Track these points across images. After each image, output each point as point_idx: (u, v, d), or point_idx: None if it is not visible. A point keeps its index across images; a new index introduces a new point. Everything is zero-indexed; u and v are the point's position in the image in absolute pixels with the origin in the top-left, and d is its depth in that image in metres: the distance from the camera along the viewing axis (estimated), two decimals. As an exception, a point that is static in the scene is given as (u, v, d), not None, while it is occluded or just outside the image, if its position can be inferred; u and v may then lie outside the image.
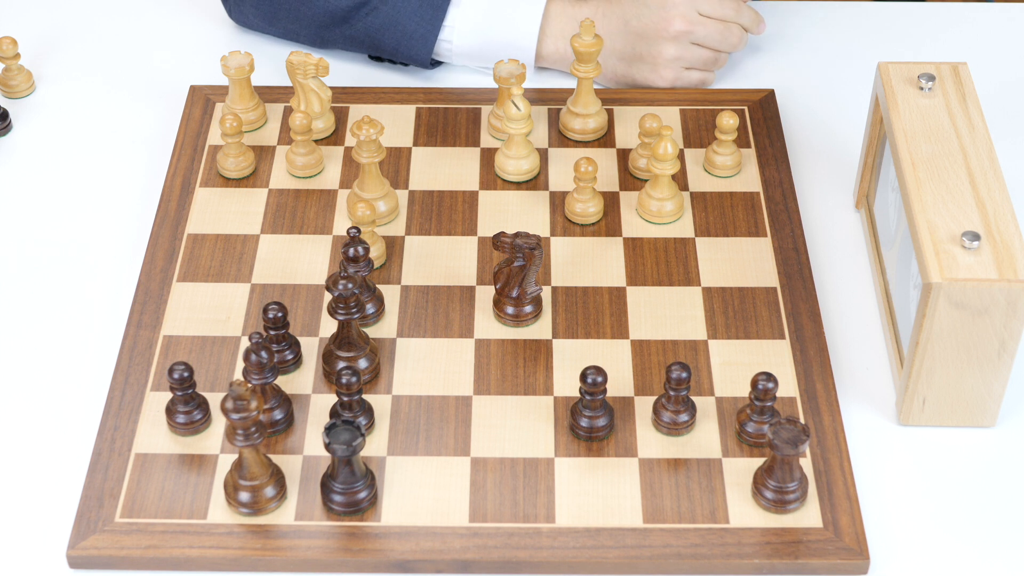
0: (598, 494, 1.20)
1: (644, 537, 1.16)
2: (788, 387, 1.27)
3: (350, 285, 1.24)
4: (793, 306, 1.34)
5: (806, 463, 1.21)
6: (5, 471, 1.23)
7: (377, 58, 1.63)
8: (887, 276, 1.36)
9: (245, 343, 1.31)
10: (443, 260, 1.39)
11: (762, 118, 1.54)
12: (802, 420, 1.25)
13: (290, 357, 1.28)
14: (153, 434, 1.24)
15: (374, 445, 1.23)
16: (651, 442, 1.23)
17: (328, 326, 1.33)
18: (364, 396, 1.25)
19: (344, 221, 1.43)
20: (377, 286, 1.34)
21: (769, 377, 1.20)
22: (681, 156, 1.50)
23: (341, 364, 1.26)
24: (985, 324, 1.19)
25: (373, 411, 1.24)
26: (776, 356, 1.30)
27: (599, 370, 1.21)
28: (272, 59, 1.63)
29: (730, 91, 1.58)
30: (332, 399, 1.27)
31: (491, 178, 1.48)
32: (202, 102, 1.56)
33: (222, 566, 1.16)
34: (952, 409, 1.25)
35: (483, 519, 1.18)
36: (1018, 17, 1.72)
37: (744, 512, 1.18)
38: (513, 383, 1.28)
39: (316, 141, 1.51)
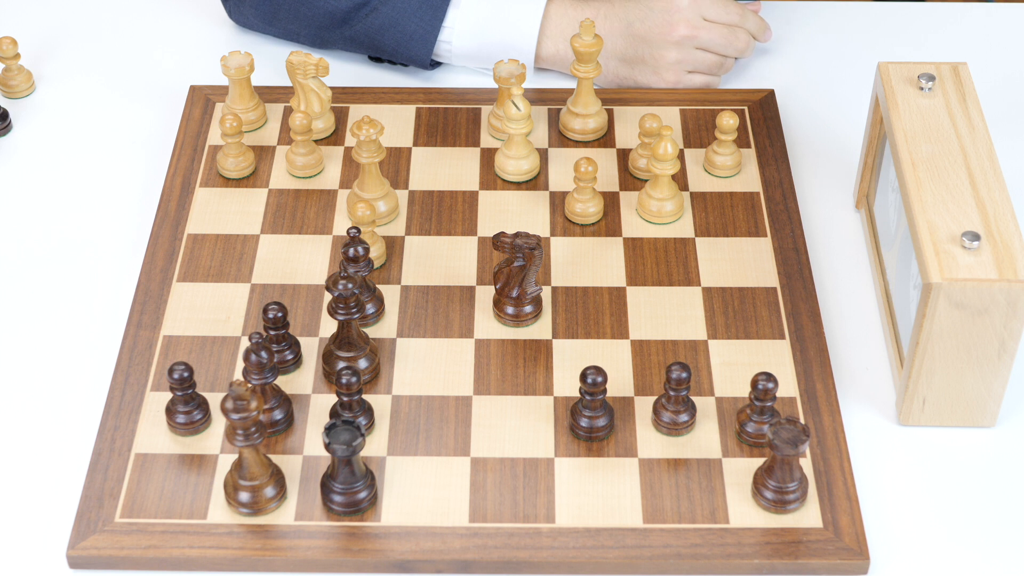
0: (598, 494, 1.20)
1: (644, 537, 1.16)
2: (788, 387, 1.27)
3: (350, 285, 1.24)
4: (793, 306, 1.34)
5: (806, 463, 1.21)
6: (5, 471, 1.23)
7: (377, 59, 1.63)
8: (887, 276, 1.36)
9: (245, 343, 1.31)
10: (443, 260, 1.39)
11: (762, 118, 1.54)
12: (802, 420, 1.25)
13: (290, 357, 1.28)
14: (153, 434, 1.24)
15: (374, 445, 1.23)
16: (651, 442, 1.23)
17: (328, 326, 1.33)
18: (364, 396, 1.25)
19: (344, 221, 1.43)
20: (377, 286, 1.34)
21: (769, 377, 1.20)
22: (681, 156, 1.50)
23: (341, 364, 1.26)
24: (985, 324, 1.19)
25: (373, 411, 1.24)
26: (776, 356, 1.30)
27: (599, 370, 1.21)
28: (272, 59, 1.63)
29: (730, 91, 1.58)
30: (332, 399, 1.27)
31: (491, 178, 1.48)
32: (202, 102, 1.56)
33: (222, 566, 1.16)
34: (952, 409, 1.25)
35: (483, 519, 1.18)
36: (1018, 17, 1.72)
37: (744, 512, 1.18)
38: (513, 383, 1.28)
39: (316, 141, 1.51)
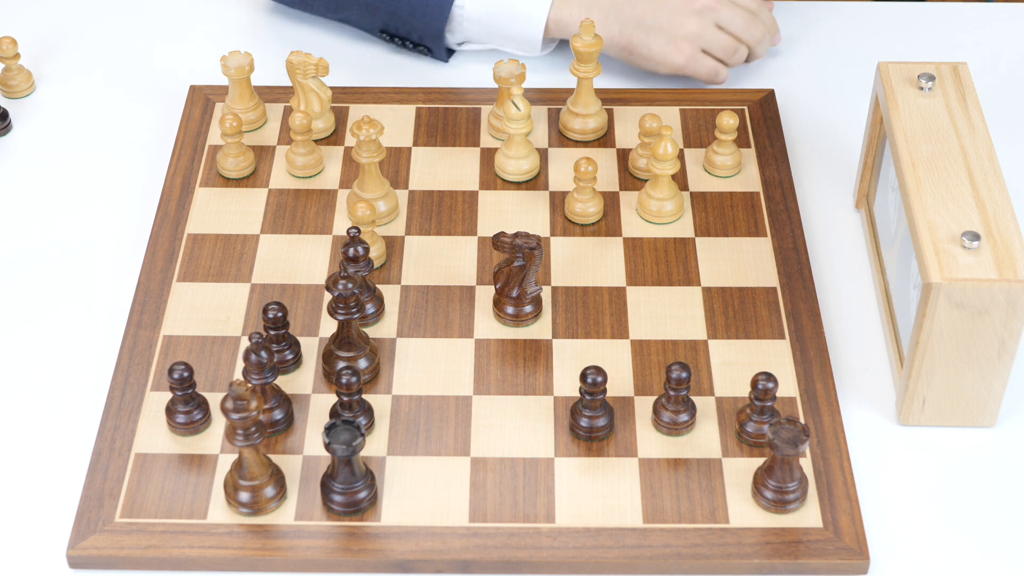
0: (598, 494, 1.20)
1: (644, 537, 1.16)
2: (788, 387, 1.27)
3: (350, 285, 1.24)
4: (793, 306, 1.34)
5: (806, 463, 1.21)
6: (5, 471, 1.23)
7: (389, 38, 1.61)
8: (887, 276, 1.36)
9: (245, 343, 1.31)
10: (443, 260, 1.39)
11: (762, 118, 1.54)
12: (802, 420, 1.25)
13: (290, 357, 1.28)
14: (153, 434, 1.24)
15: (374, 445, 1.23)
16: (651, 442, 1.23)
17: (328, 326, 1.33)
18: (364, 396, 1.25)
19: (344, 221, 1.43)
20: (377, 286, 1.34)
21: (769, 377, 1.20)
22: (681, 156, 1.50)
23: (341, 364, 1.26)
24: (985, 324, 1.19)
25: (373, 411, 1.24)
26: (776, 356, 1.30)
27: (599, 370, 1.21)
28: (272, 59, 1.63)
29: (730, 91, 1.58)
30: (332, 399, 1.27)
31: (491, 178, 1.48)
32: (202, 102, 1.56)
33: (222, 566, 1.16)
34: (952, 409, 1.25)
35: (483, 519, 1.18)
36: (1018, 17, 1.72)
37: (744, 512, 1.18)
38: (513, 383, 1.28)
39: (316, 141, 1.51)
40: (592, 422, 1.23)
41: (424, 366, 1.29)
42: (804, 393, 1.27)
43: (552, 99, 1.57)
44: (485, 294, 1.36)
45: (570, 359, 1.30)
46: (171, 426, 1.24)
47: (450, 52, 1.62)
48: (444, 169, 1.49)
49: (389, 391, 1.27)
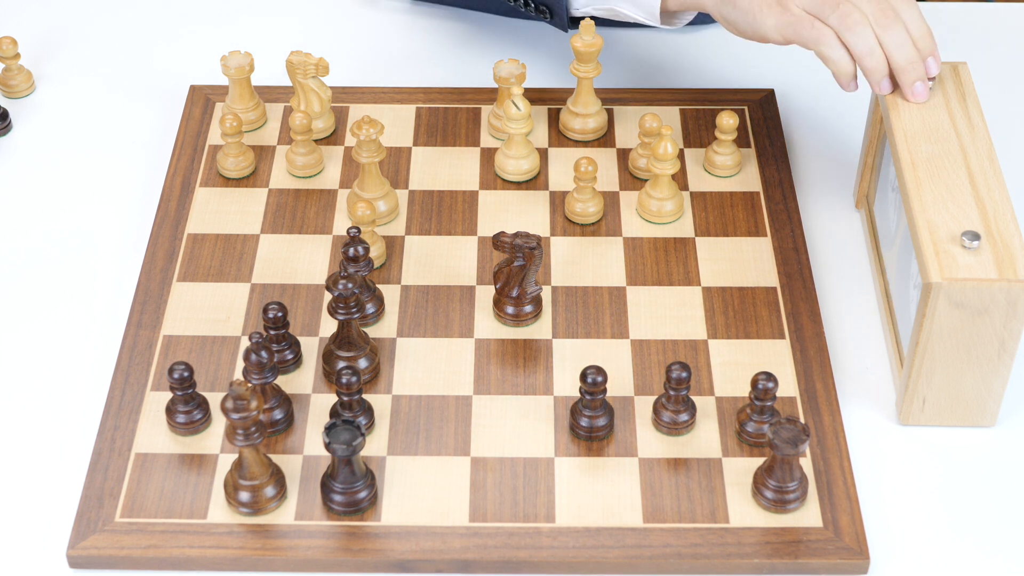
0: (598, 494, 1.20)
1: (644, 537, 1.16)
2: (788, 387, 1.27)
3: (350, 285, 1.24)
4: (793, 306, 1.34)
5: (806, 463, 1.21)
6: (5, 471, 1.23)
7: (513, 6, 1.56)
8: (887, 276, 1.36)
9: (245, 343, 1.31)
10: (443, 260, 1.39)
11: (762, 118, 1.54)
12: (802, 420, 1.25)
13: (290, 357, 1.28)
14: (153, 434, 1.24)
15: (374, 445, 1.23)
16: (651, 442, 1.23)
17: (328, 326, 1.33)
18: (364, 396, 1.25)
19: (344, 221, 1.43)
20: (377, 286, 1.34)
21: (769, 377, 1.20)
22: (681, 156, 1.50)
23: (341, 364, 1.26)
24: (985, 324, 1.19)
25: (373, 411, 1.24)
26: (776, 356, 1.30)
27: (599, 370, 1.21)
28: (272, 59, 1.63)
29: (730, 91, 1.58)
30: (332, 399, 1.27)
31: (491, 178, 1.48)
32: (202, 102, 1.56)
33: (222, 566, 1.16)
34: (952, 409, 1.25)
35: (483, 519, 1.18)
36: (1018, 17, 1.72)
37: (744, 512, 1.18)
38: (513, 383, 1.28)
39: (316, 141, 1.51)
40: (592, 422, 1.23)
41: (424, 366, 1.29)
42: (804, 393, 1.27)
43: (552, 99, 1.57)
44: (485, 294, 1.36)
45: (570, 359, 1.30)
46: (171, 426, 1.24)
47: (571, 24, 1.54)
48: (444, 169, 1.49)
49: (389, 391, 1.27)
